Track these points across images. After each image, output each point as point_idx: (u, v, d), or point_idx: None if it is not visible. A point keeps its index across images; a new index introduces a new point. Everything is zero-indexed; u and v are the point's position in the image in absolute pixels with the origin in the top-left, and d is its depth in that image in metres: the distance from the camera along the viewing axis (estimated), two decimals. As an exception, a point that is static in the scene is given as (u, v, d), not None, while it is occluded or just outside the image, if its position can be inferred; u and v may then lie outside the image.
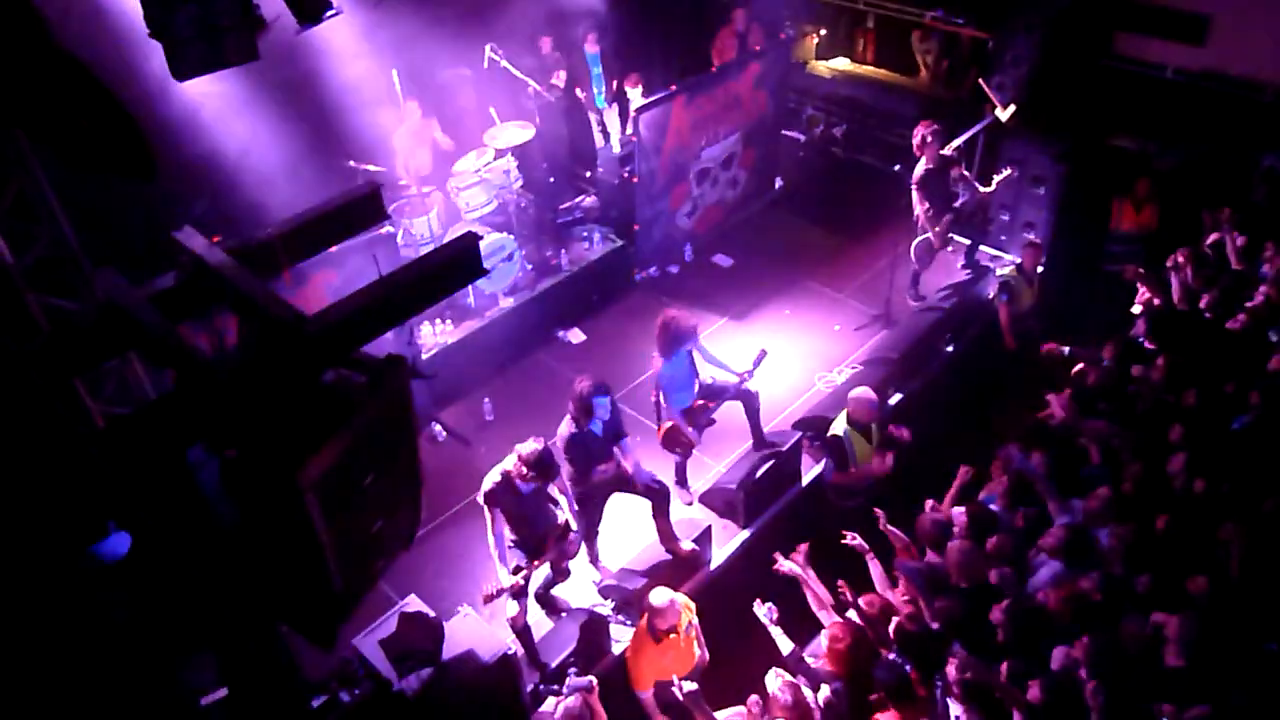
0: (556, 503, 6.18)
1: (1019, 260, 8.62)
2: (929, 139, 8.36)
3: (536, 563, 5.90)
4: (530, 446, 5.63)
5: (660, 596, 5.42)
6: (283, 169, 7.78)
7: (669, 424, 6.94)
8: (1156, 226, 8.84)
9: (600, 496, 6.41)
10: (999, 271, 9.45)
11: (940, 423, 7.96)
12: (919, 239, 8.79)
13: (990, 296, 9.26)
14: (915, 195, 8.61)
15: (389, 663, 5.33)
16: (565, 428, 6.14)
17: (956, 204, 8.77)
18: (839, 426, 6.88)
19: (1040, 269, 8.48)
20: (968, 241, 9.41)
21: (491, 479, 5.78)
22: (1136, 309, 7.83)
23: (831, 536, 5.94)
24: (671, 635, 5.47)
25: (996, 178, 8.68)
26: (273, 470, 2.89)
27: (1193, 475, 5.79)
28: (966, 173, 8.81)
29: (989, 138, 9.81)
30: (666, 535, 6.58)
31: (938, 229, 8.64)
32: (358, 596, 3.61)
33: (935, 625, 5.26)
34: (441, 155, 9.49)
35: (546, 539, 6.01)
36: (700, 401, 7.01)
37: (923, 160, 8.49)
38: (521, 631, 5.94)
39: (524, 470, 5.62)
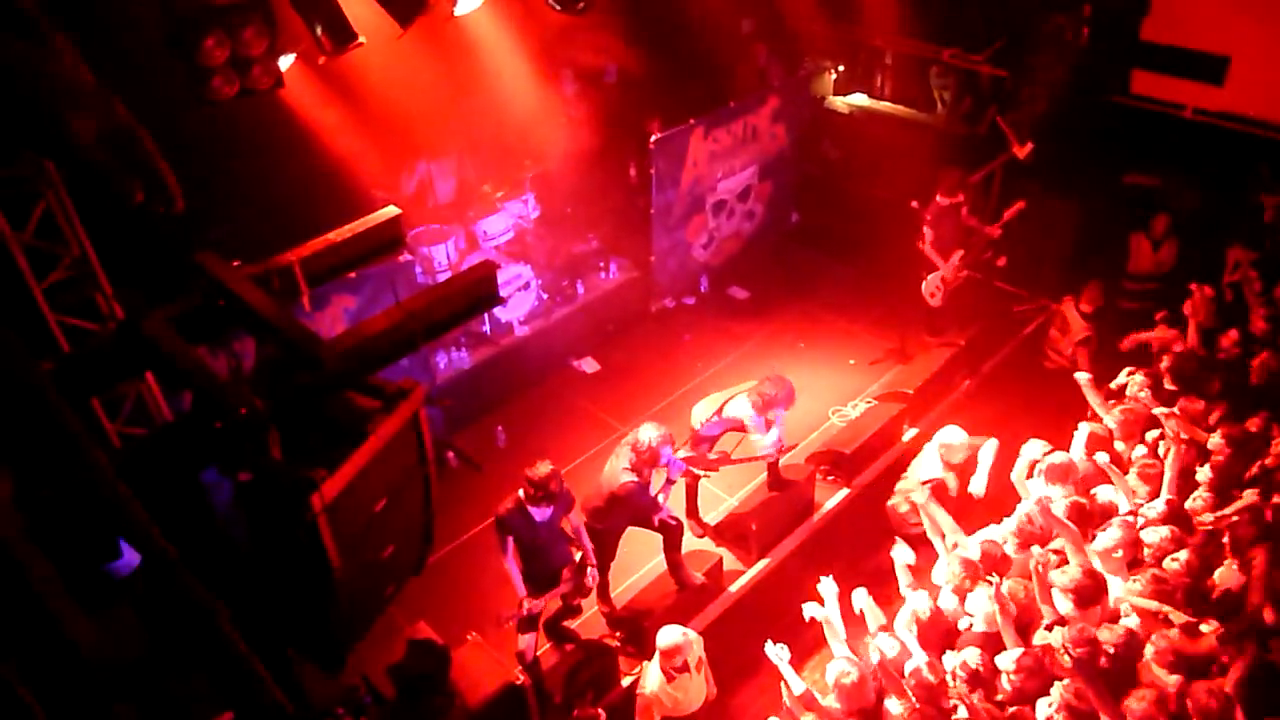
0: (572, 538, 6.07)
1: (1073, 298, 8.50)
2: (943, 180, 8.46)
3: (547, 597, 5.84)
4: (541, 469, 5.53)
5: (669, 637, 5.36)
6: (306, 194, 7.85)
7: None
8: (1174, 265, 8.80)
9: (616, 531, 6.37)
10: (1015, 309, 9.45)
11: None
12: (930, 275, 8.79)
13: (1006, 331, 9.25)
14: (926, 232, 8.63)
15: (396, 688, 5.31)
16: (626, 477, 5.97)
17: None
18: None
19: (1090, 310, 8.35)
20: (977, 275, 9.40)
21: (505, 504, 5.74)
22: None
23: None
24: (683, 673, 5.42)
25: (1007, 213, 8.68)
26: (286, 493, 2.91)
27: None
28: (971, 218, 8.79)
29: (1006, 175, 9.81)
30: (677, 568, 6.54)
31: (950, 264, 8.64)
32: (367, 622, 3.61)
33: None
34: (464, 185, 9.58)
35: (560, 572, 5.93)
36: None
37: (937, 197, 8.52)
38: (530, 664, 5.90)
39: (532, 492, 5.54)
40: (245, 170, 7.71)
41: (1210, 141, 9.03)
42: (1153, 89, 9.35)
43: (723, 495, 7.73)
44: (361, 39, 5.74)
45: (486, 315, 8.75)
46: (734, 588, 6.95)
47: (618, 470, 6.01)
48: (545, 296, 9.36)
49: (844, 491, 7.70)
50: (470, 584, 7.08)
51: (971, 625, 5.37)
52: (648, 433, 5.94)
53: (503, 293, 8.41)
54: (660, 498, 6.24)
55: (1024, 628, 5.24)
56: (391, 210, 3.80)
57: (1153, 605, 5.10)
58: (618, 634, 6.51)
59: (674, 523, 6.38)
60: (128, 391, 5.94)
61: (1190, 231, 8.84)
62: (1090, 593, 5.09)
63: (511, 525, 5.68)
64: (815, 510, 7.54)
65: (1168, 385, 6.80)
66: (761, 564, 7.12)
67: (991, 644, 5.12)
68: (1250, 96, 8.79)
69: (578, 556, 5.99)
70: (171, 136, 4.98)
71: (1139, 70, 9.42)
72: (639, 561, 7.03)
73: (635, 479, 5.96)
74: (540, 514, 5.65)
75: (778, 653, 5.28)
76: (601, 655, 6.22)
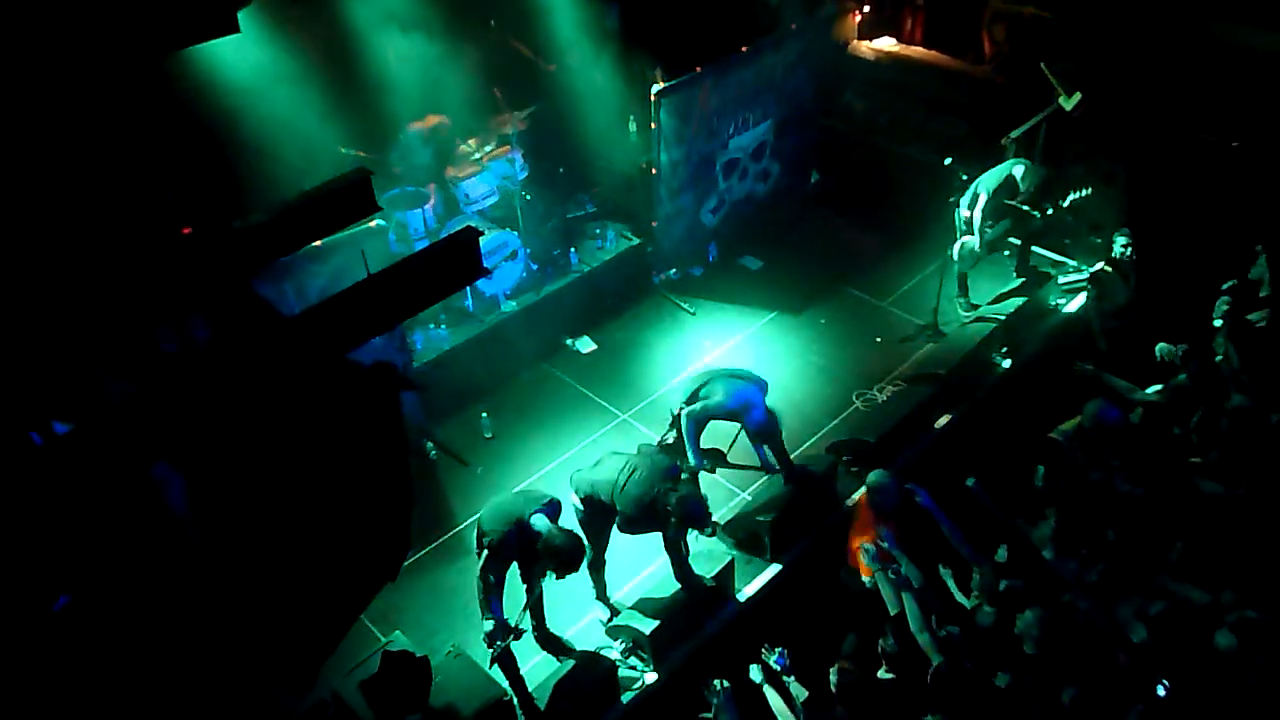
0: None
1: (1104, 262, 8.42)
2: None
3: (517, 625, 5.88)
4: (563, 539, 5.59)
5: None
6: (271, 152, 7.81)
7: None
8: None
9: (608, 523, 6.39)
10: (1061, 279, 9.40)
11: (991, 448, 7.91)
12: (964, 239, 8.76)
13: (1051, 306, 9.22)
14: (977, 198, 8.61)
15: (371, 707, 5.33)
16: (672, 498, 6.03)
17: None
18: None
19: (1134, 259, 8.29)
20: (1019, 243, 9.37)
21: (500, 521, 5.74)
22: (1218, 322, 7.77)
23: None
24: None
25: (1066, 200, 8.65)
26: (246, 490, 2.89)
27: None
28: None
29: (1052, 130, 9.77)
30: (683, 570, 6.54)
31: (989, 229, 8.62)
32: (338, 633, 3.61)
33: None
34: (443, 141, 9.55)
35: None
36: None
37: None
38: (512, 675, 5.94)
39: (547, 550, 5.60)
40: (200, 126, 7.67)
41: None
42: (1219, 33, 9.28)
43: (735, 489, 7.74)
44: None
45: (469, 289, 8.73)
46: (747, 592, 6.96)
47: (658, 487, 6.05)
48: (535, 267, 9.33)
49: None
50: (451, 590, 7.09)
51: None
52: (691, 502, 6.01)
53: (487, 263, 8.37)
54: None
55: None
56: (362, 171, 3.77)
57: None
58: (618, 643, 6.52)
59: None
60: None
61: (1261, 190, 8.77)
62: None
63: (509, 553, 5.75)
64: (838, 506, 7.54)
65: None
66: (777, 565, 7.13)
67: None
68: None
69: None
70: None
71: (1203, 12, 9.35)
72: (640, 563, 7.04)
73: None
74: None
75: (775, 659, 5.32)
76: (600, 668, 6.23)
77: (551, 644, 6.53)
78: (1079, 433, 6.56)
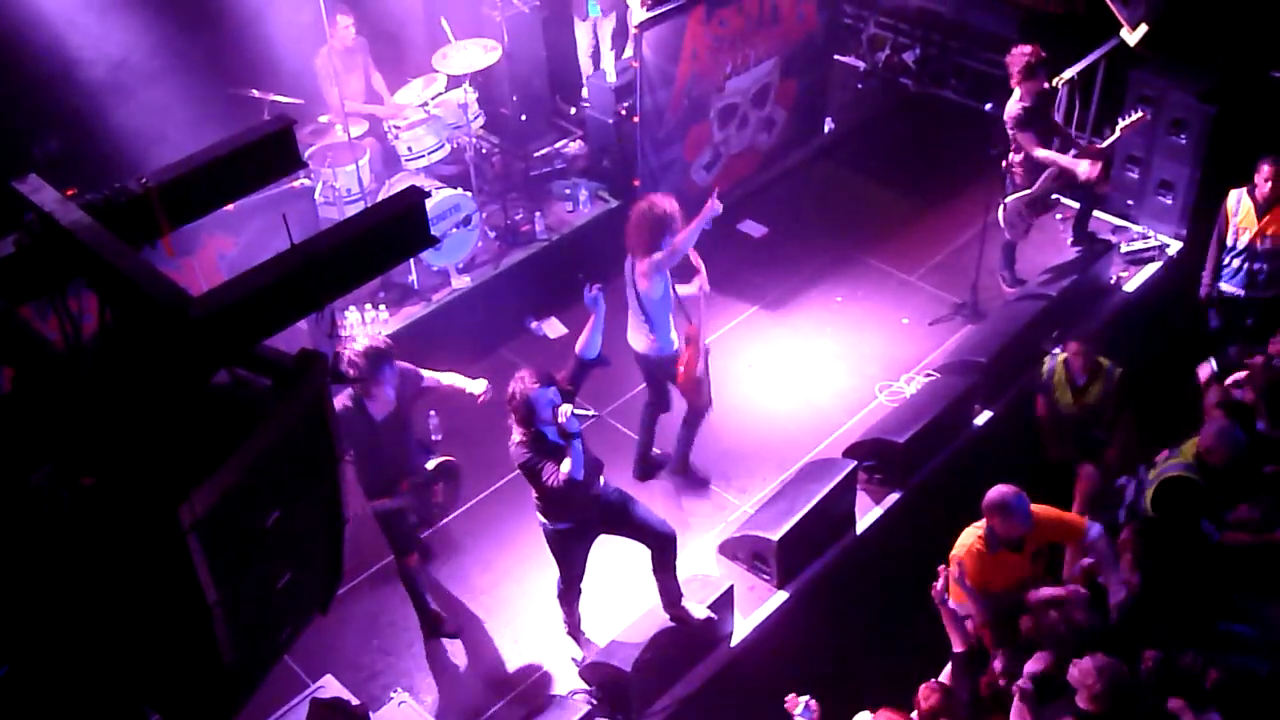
0: (429, 451, 6.90)
1: (1065, 353, 7.94)
2: (1032, 65, 8.38)
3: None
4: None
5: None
6: (167, 96, 7.78)
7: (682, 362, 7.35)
8: None
9: (583, 538, 6.42)
10: (1124, 247, 9.46)
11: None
12: (1011, 199, 8.81)
13: (1111, 280, 9.27)
14: (1012, 141, 8.63)
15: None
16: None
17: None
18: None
19: (1087, 371, 7.86)
20: (1077, 206, 9.42)
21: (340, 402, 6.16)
22: None
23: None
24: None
25: (1122, 123, 8.67)
26: (144, 503, 2.89)
27: None
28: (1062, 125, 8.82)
29: (1113, 68, 9.82)
30: (671, 596, 6.58)
31: (1038, 186, 8.66)
32: (258, 675, 3.62)
33: None
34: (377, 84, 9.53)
35: (398, 481, 6.44)
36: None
37: (1017, 94, 8.52)
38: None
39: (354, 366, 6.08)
40: (86, 63, 7.64)
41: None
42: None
43: (732, 499, 7.78)
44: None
45: (413, 261, 8.72)
46: (749, 624, 7.01)
47: None
48: (493, 235, 9.33)
49: (895, 495, 7.77)
50: (392, 624, 7.12)
51: None
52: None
53: (435, 230, 8.37)
54: None
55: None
56: (282, 118, 3.76)
57: None
58: (593, 686, 6.56)
59: (664, 531, 6.41)
60: None
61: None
62: None
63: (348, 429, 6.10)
64: (857, 521, 7.60)
65: None
66: (785, 593, 7.18)
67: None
68: None
69: (431, 467, 6.67)
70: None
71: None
72: (620, 587, 7.08)
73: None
74: (379, 411, 6.34)
75: (802, 712, 5.37)
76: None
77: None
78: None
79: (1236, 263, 8.39)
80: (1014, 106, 8.55)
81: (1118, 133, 8.70)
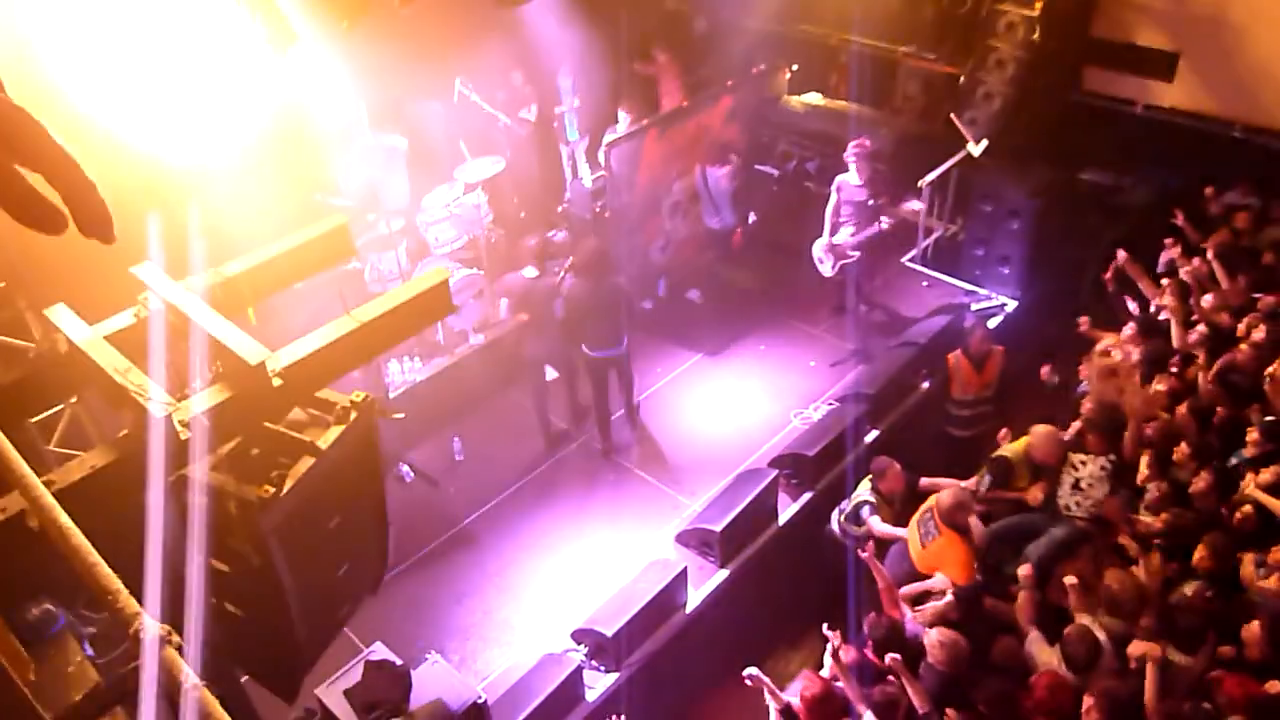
0: None
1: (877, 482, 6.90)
2: (857, 156, 8.81)
3: None
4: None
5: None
6: (244, 201, 7.75)
7: None
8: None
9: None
10: (974, 306, 9.60)
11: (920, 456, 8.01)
12: (818, 241, 9.02)
13: (967, 327, 9.39)
14: (833, 198, 9.02)
15: (354, 713, 5.25)
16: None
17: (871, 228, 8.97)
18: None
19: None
20: (939, 276, 9.55)
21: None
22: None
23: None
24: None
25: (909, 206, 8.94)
26: (235, 512, 2.87)
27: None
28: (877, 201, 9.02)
29: (962, 174, 9.98)
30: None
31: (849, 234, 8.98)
32: (322, 644, 3.58)
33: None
34: (414, 189, 9.52)
35: None
36: None
37: (852, 170, 8.87)
38: None
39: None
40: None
41: (1162, 138, 9.27)
42: (1105, 85, 9.58)
43: (684, 500, 7.77)
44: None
45: (440, 324, 8.69)
46: (699, 595, 6.98)
47: None
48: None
49: (807, 494, 7.76)
50: (427, 601, 7.04)
51: None
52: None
53: (456, 300, 8.36)
54: None
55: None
56: (339, 219, 3.77)
57: None
58: (582, 646, 6.50)
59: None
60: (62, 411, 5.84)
61: (1149, 227, 8.97)
62: None
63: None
64: (779, 515, 7.60)
65: None
66: (726, 571, 7.15)
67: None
68: (1199, 92, 9.03)
69: None
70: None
71: (1091, 67, 9.65)
72: (605, 569, 7.03)
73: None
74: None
75: (757, 675, 5.32)
76: (563, 670, 6.19)
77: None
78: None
79: None
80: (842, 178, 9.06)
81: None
